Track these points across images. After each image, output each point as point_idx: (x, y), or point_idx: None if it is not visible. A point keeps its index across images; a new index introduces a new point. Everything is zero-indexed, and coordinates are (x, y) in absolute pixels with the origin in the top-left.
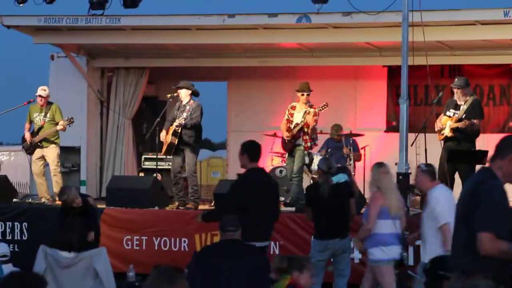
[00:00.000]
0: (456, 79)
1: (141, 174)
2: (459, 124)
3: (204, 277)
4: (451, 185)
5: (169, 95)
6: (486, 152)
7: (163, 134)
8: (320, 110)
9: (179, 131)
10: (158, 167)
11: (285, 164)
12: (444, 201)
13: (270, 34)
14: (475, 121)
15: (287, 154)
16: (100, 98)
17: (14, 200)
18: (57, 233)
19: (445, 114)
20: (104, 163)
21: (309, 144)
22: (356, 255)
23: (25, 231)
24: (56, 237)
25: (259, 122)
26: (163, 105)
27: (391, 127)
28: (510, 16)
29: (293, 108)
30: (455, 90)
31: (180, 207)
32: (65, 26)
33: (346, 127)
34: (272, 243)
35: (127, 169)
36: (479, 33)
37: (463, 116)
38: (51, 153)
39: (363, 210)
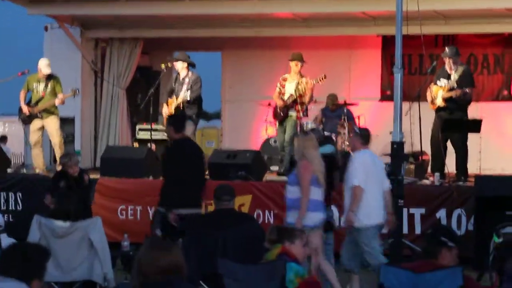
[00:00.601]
0: (446, 49)
1: (136, 144)
2: (451, 94)
3: (199, 246)
4: (444, 153)
5: (163, 65)
6: (480, 121)
7: (164, 108)
8: (318, 82)
9: (182, 107)
10: (152, 137)
11: (276, 131)
12: (359, 164)
13: (265, 4)
14: (467, 90)
15: (277, 123)
16: (94, 68)
17: (9, 170)
18: (51, 196)
19: (435, 84)
20: (98, 134)
21: (301, 114)
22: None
23: (19, 201)
24: (53, 203)
25: (254, 92)
26: (157, 75)
27: (386, 96)
28: None
29: (285, 79)
30: (446, 60)
31: None
32: None
33: (341, 96)
34: (267, 211)
35: (121, 139)
36: (473, 2)
37: (455, 86)
38: (52, 124)
39: (307, 178)
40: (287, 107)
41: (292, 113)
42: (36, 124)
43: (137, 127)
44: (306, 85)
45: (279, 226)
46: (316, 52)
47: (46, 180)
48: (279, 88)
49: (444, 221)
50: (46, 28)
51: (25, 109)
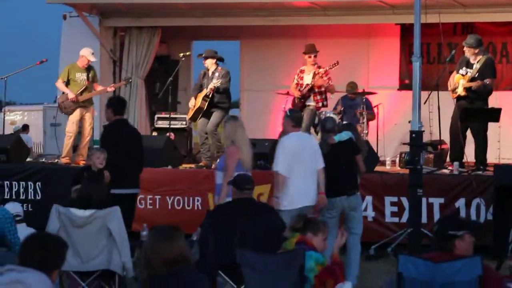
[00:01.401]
0: (468, 37)
1: (154, 133)
2: (472, 84)
3: (217, 236)
4: (463, 142)
5: (181, 54)
6: (499, 110)
7: (192, 101)
8: (330, 68)
9: (210, 96)
10: (171, 126)
11: None
12: (282, 150)
13: None
14: (487, 81)
15: None
16: (112, 57)
17: (28, 159)
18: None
19: (457, 72)
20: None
21: (320, 104)
22: (370, 213)
23: (38, 191)
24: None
25: (272, 81)
26: (175, 65)
27: (404, 85)
28: None
29: (302, 71)
30: (466, 49)
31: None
32: None
33: (359, 85)
34: None
35: (140, 129)
36: None
37: (476, 75)
38: (91, 114)
39: (232, 164)
40: (304, 97)
41: (310, 103)
42: (77, 114)
43: (156, 116)
44: (324, 76)
45: (306, 216)
46: (334, 40)
47: (65, 170)
48: (297, 80)
49: (463, 211)
50: (64, 17)
51: (73, 96)
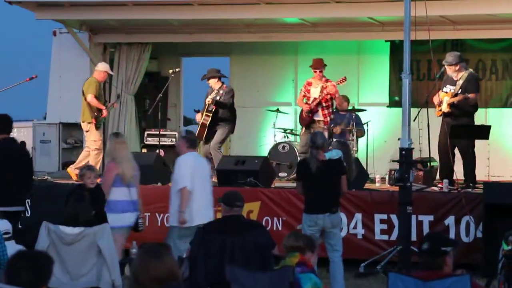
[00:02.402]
0: (446, 56)
1: (144, 150)
2: (455, 99)
3: (207, 253)
4: (452, 159)
5: (171, 70)
6: (489, 127)
7: (198, 115)
8: (338, 83)
9: (212, 109)
10: (161, 143)
11: (287, 139)
12: (185, 167)
13: (272, 9)
14: (469, 96)
15: (304, 128)
16: None
17: None
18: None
19: (442, 90)
20: (106, 139)
21: (327, 118)
22: (359, 231)
23: (28, 207)
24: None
25: (262, 98)
26: (165, 81)
27: (394, 102)
28: None
29: (309, 84)
30: (446, 67)
31: None
32: (67, 1)
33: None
34: (275, 218)
35: (130, 145)
36: (481, 7)
37: (459, 91)
38: None
39: (108, 180)
40: (312, 112)
41: (318, 118)
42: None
43: (146, 132)
44: (332, 89)
45: (301, 234)
46: (324, 57)
47: (55, 187)
48: (304, 92)
49: (452, 228)
50: (54, 33)
51: (106, 112)
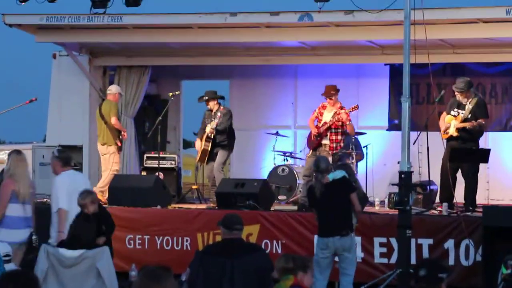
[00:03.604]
0: (457, 82)
1: (143, 173)
2: (467, 125)
3: (206, 276)
4: (453, 183)
5: (171, 93)
6: (488, 150)
7: (198, 142)
8: (350, 111)
9: (212, 136)
10: (160, 165)
11: (287, 162)
12: (62, 187)
13: (272, 33)
14: (483, 122)
15: (311, 150)
16: (102, 96)
17: None
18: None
19: (448, 113)
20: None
21: (334, 144)
22: (359, 254)
23: None
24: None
25: (262, 121)
26: (165, 104)
27: (394, 126)
28: None
29: (324, 107)
30: (457, 94)
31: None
32: (67, 24)
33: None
34: (275, 241)
35: (129, 168)
36: (481, 31)
37: (469, 116)
38: None
39: (4, 197)
40: (320, 136)
41: (326, 142)
42: None
43: (145, 155)
44: (343, 117)
45: (293, 255)
46: (323, 80)
47: None
48: (317, 114)
49: (452, 252)
50: (54, 56)
51: (126, 135)
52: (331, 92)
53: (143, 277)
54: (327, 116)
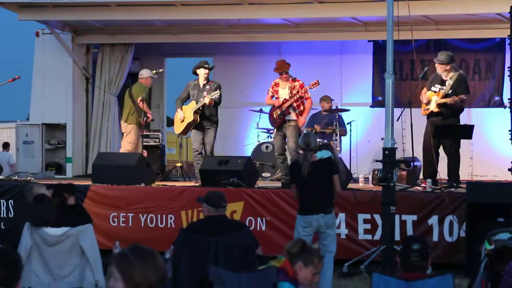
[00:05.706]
0: (439, 54)
1: None
2: (447, 100)
3: (191, 253)
4: (436, 159)
5: (154, 71)
6: (472, 126)
7: (178, 113)
8: (310, 88)
9: (201, 108)
10: (144, 143)
11: (271, 140)
12: None
13: (255, 10)
14: (464, 97)
15: (275, 129)
16: (85, 74)
17: (0, 177)
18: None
19: (429, 89)
20: (90, 140)
21: (301, 119)
22: (343, 231)
23: (11, 208)
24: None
25: (245, 98)
26: None
27: (377, 102)
28: None
29: (277, 85)
30: (437, 66)
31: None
32: (50, 2)
33: (332, 102)
34: (259, 218)
35: (113, 146)
36: (464, 7)
37: (450, 92)
38: None
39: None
40: (283, 113)
41: (291, 118)
42: None
43: None
44: (300, 90)
45: (310, 245)
46: (307, 57)
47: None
48: (272, 93)
49: (436, 228)
50: (37, 34)
51: (151, 117)
52: (285, 66)
53: (130, 254)
54: (283, 93)
